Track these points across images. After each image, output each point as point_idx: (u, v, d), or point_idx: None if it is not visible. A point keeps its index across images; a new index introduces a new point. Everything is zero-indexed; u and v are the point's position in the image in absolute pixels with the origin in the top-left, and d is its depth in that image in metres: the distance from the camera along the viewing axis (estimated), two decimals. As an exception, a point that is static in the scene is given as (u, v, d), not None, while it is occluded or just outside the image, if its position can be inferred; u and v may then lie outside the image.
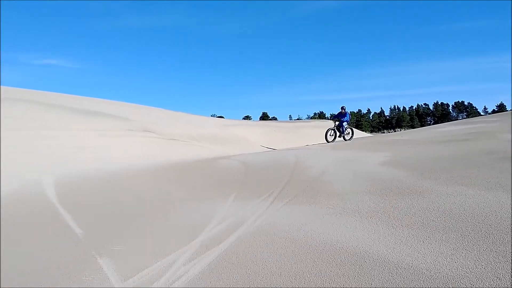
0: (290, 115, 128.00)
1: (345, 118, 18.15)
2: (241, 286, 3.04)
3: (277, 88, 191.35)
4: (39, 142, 8.62)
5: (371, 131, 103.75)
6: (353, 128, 18.63)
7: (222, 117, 37.14)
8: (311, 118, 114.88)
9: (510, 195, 4.38)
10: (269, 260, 3.46)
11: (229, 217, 4.80)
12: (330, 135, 17.65)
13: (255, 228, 4.34)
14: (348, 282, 2.98)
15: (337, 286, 2.94)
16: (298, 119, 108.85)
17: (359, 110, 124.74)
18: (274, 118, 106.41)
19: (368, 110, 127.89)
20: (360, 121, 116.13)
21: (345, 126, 18.22)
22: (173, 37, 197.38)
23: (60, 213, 5.08)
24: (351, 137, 18.46)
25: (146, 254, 3.76)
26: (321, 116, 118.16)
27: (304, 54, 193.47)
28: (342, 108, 18.44)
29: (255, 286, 3.02)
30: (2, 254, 3.83)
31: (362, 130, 71.30)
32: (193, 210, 5.28)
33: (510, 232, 3.44)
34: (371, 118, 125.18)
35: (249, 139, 18.10)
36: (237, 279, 3.15)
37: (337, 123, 18.09)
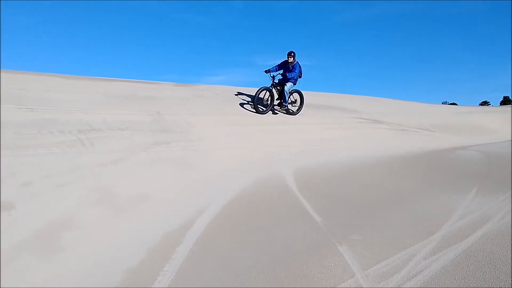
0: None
1: (292, 74, 10.20)
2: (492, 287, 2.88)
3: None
4: (280, 136, 9.67)
5: None
6: (303, 93, 11.08)
7: (455, 104, 33.35)
8: None
9: None
10: (523, 262, 3.14)
11: (471, 212, 4.50)
12: (264, 99, 10.17)
13: (502, 225, 3.95)
14: None
15: None
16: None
17: None
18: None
19: None
20: None
21: (289, 89, 10.39)
22: (393, 26, 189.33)
23: (301, 201, 5.49)
24: (300, 108, 10.94)
25: (384, 245, 3.86)
26: None
27: None
28: (289, 54, 10.04)
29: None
30: (256, 235, 4.32)
31: None
32: (431, 203, 5.14)
33: None
34: None
35: (488, 127, 15.69)
36: (485, 278, 2.99)
37: (276, 79, 10.27)
